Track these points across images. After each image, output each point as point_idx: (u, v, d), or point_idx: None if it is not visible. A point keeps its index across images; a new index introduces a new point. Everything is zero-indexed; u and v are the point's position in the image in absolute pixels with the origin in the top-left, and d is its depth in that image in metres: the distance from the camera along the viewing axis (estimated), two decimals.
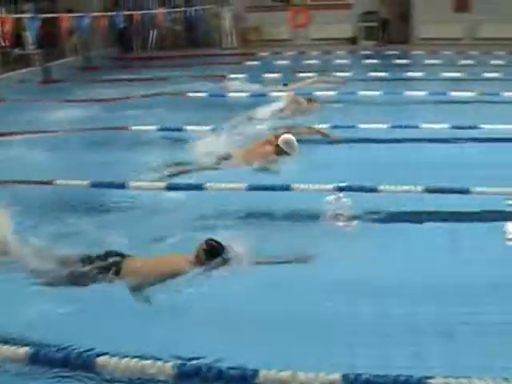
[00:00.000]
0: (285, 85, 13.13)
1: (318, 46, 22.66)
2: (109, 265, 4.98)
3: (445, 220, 6.22)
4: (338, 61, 18.86)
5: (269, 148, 8.15)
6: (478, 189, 6.63)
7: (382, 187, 6.73)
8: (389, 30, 23.77)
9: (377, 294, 4.79)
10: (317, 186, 6.84)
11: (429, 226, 6.08)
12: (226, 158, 8.06)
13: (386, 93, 12.61)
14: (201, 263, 5.08)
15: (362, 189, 6.81)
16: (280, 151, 8.07)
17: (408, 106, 11.09)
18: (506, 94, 12.46)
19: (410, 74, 15.84)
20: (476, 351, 4.10)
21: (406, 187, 6.71)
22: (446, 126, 9.45)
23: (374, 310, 4.63)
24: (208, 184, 7.02)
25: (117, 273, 4.96)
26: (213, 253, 5.09)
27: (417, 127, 9.46)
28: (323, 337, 4.28)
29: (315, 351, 4.11)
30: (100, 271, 4.94)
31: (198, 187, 7.03)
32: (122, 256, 5.12)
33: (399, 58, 19.16)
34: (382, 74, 15.57)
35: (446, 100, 12.08)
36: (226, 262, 5.07)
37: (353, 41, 24.21)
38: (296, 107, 10.77)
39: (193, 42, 24.85)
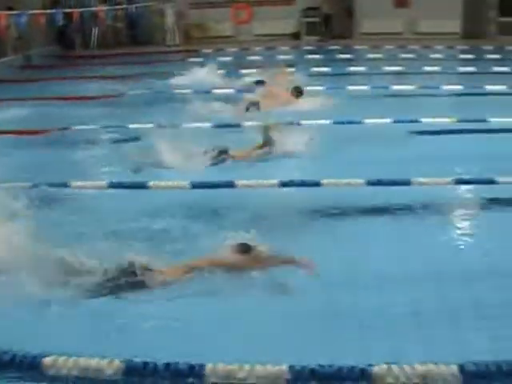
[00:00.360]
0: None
1: (261, 41, 22.75)
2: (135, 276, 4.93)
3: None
4: (282, 56, 18.94)
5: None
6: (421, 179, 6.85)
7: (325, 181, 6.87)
8: (331, 25, 23.98)
9: None
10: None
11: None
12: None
13: (330, 88, 12.73)
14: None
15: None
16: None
17: (351, 101, 11.20)
18: (446, 87, 12.76)
19: (352, 68, 16.02)
20: None
21: (346, 180, 6.87)
22: (389, 120, 9.62)
23: None
24: (152, 183, 7.03)
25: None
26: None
27: (359, 123, 9.59)
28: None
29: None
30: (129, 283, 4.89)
31: (142, 186, 7.02)
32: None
33: (342, 52, 19.37)
34: (325, 69, 15.70)
35: (388, 94, 12.29)
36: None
37: (296, 36, 24.36)
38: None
39: (135, 40, 24.62)
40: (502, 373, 3.64)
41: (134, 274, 4.88)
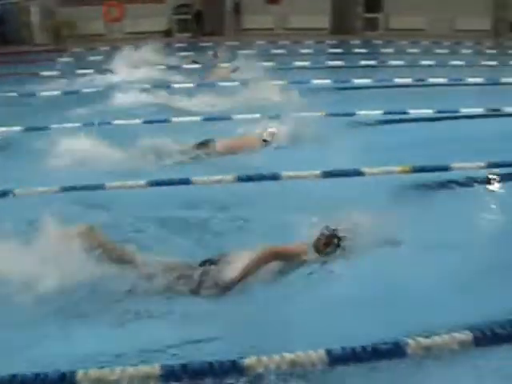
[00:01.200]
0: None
1: (133, 40, 22.45)
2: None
3: None
4: (153, 54, 18.71)
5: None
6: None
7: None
8: (203, 22, 24.05)
9: None
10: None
11: None
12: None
13: (200, 84, 12.77)
14: (320, 250, 5.05)
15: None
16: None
17: (220, 97, 11.32)
18: (315, 81, 13.10)
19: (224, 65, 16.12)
20: None
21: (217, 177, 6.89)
22: (257, 115, 9.80)
23: None
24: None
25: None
26: (331, 240, 5.04)
27: (229, 118, 9.69)
28: None
29: None
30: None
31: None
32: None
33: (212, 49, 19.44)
34: (197, 66, 15.73)
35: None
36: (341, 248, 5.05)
37: (168, 34, 24.25)
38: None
39: (3, 39, 23.65)
40: (367, 354, 3.82)
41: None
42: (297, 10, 23.27)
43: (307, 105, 10.37)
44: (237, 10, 24.23)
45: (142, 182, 6.69)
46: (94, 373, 3.61)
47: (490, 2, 25.79)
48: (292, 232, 5.30)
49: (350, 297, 4.60)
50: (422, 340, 3.91)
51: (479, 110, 10.52)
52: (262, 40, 20.91)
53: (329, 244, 5.07)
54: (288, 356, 3.71)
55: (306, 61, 16.07)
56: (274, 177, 6.83)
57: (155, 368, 3.61)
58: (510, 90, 13.42)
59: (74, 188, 6.59)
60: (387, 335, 3.92)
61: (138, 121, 9.51)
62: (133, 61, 15.08)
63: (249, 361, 3.69)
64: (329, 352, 3.76)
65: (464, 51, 20.50)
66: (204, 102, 11.06)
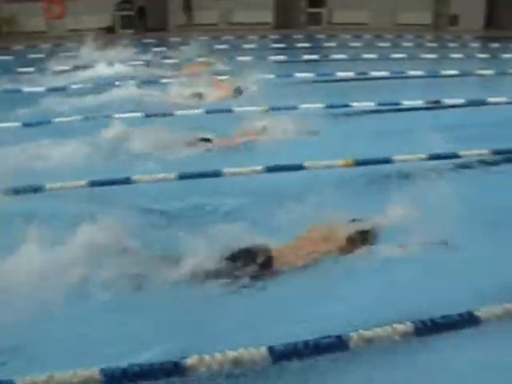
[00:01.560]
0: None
1: (76, 37, 22.07)
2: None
3: None
4: (96, 51, 18.47)
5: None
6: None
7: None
8: (145, 18, 23.81)
9: None
10: None
11: None
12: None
13: (144, 82, 12.66)
14: (353, 245, 5.01)
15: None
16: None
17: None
18: (259, 76, 13.06)
19: (167, 61, 16.02)
20: None
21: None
22: (201, 111, 9.76)
23: None
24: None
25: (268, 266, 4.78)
26: (364, 235, 5.04)
27: (171, 115, 9.63)
28: None
29: None
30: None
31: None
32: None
33: (157, 45, 19.32)
34: (144, 57, 15.79)
35: None
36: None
37: (110, 30, 23.91)
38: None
39: None
40: (309, 350, 3.82)
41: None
42: (240, 4, 23.23)
43: (250, 99, 10.42)
44: (188, 5, 24.09)
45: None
46: (29, 380, 3.53)
47: None
48: None
49: None
50: (364, 333, 3.93)
51: (420, 103, 10.68)
52: (206, 36, 20.80)
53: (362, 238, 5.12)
54: (230, 354, 3.69)
55: (248, 56, 16.03)
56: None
57: (95, 372, 3.55)
58: (449, 83, 13.68)
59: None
60: None
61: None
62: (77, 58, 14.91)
63: (191, 361, 3.66)
64: (271, 349, 3.75)
65: (405, 44, 20.77)
66: None
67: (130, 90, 11.36)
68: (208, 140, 8.24)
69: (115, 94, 11.28)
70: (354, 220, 5.20)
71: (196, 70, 13.85)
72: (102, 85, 12.00)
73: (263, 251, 4.86)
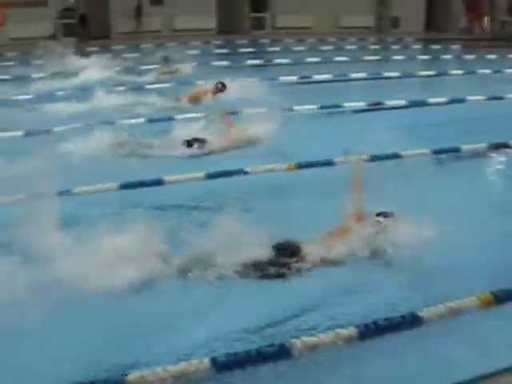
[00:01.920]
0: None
1: (18, 45, 21.67)
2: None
3: None
4: (36, 61, 18.18)
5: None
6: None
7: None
8: (88, 26, 23.51)
9: None
10: None
11: None
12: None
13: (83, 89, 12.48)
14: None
15: None
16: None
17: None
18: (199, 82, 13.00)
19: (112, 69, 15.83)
20: None
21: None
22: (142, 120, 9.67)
23: None
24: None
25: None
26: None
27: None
28: None
29: None
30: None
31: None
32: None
33: (99, 52, 19.08)
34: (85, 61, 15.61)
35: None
36: None
37: (53, 38, 23.53)
38: None
39: None
40: (252, 359, 3.77)
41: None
42: (182, 10, 23.12)
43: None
44: (139, 13, 23.90)
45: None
46: None
47: (373, 0, 26.56)
48: None
49: None
50: (307, 339, 3.90)
51: (362, 104, 10.77)
52: (150, 43, 20.65)
53: None
54: (172, 368, 3.62)
55: (190, 62, 15.92)
56: None
57: None
58: (391, 84, 13.84)
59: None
60: None
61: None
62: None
63: (132, 377, 3.57)
64: (213, 360, 3.69)
65: (348, 47, 21.00)
66: None
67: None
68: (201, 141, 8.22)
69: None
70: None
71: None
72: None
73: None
